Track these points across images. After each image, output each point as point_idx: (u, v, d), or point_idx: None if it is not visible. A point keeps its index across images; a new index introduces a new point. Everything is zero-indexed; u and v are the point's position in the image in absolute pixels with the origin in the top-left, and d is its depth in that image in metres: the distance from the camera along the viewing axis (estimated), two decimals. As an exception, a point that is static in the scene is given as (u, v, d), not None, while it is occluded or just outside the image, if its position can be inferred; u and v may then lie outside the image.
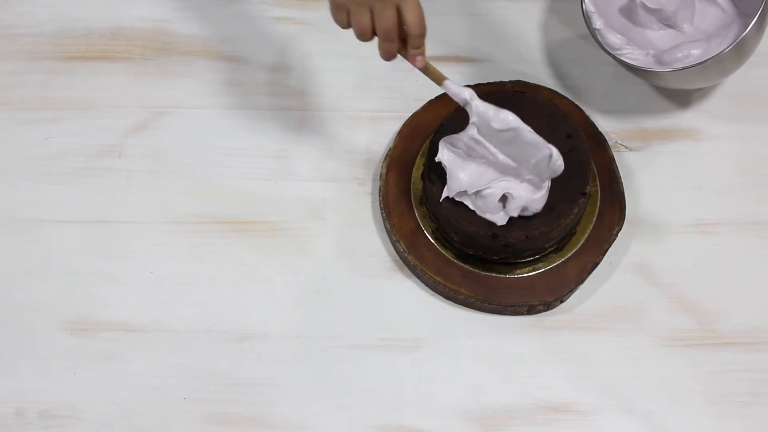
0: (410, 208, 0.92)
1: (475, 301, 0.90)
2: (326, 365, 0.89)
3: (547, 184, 0.85)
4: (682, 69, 0.89)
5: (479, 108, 0.82)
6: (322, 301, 0.91)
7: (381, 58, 0.80)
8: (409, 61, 0.81)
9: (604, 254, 0.91)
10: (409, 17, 0.78)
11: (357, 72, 1.02)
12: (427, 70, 0.82)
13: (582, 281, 0.90)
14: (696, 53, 0.91)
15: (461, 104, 0.82)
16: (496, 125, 0.81)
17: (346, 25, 0.80)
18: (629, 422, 0.86)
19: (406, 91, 1.00)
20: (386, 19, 0.78)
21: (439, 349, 0.89)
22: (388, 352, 0.89)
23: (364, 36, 0.80)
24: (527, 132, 0.82)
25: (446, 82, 0.82)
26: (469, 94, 0.82)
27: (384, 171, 0.94)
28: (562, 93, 0.97)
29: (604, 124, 0.98)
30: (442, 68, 1.01)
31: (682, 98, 1.00)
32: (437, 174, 0.87)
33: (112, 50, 1.03)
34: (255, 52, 1.03)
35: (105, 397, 0.88)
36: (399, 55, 0.81)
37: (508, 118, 0.81)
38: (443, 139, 0.85)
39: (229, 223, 0.95)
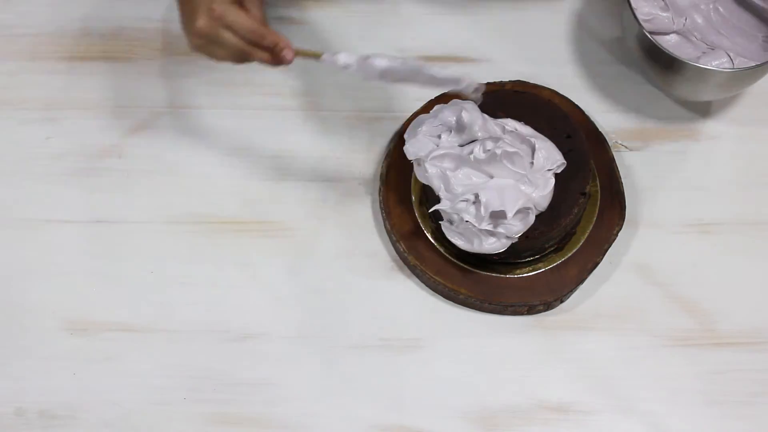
0: (410, 208, 0.92)
1: (475, 301, 0.90)
2: (326, 365, 0.89)
3: (552, 181, 0.85)
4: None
5: (359, 62, 0.79)
6: (322, 301, 0.91)
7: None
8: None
9: (604, 254, 0.91)
10: (239, 31, 0.76)
11: (357, 72, 1.02)
12: (302, 54, 0.80)
13: (582, 281, 0.90)
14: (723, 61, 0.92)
15: (344, 71, 0.79)
16: (377, 67, 0.79)
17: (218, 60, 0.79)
18: (629, 422, 0.86)
19: (406, 91, 1.00)
20: (230, 43, 0.77)
21: (439, 349, 0.89)
22: (388, 352, 0.89)
23: (238, 62, 0.79)
24: (424, 68, 0.80)
25: (324, 56, 0.79)
26: (344, 58, 0.79)
27: (384, 171, 0.94)
28: (562, 93, 0.97)
29: (604, 124, 0.98)
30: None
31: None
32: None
33: (112, 50, 1.03)
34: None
35: (105, 397, 0.88)
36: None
37: (382, 64, 0.79)
38: (419, 159, 0.85)
39: (229, 223, 0.95)
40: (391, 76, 0.80)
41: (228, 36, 0.77)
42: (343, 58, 0.79)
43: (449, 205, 0.84)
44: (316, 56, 0.80)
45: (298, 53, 0.79)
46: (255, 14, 0.78)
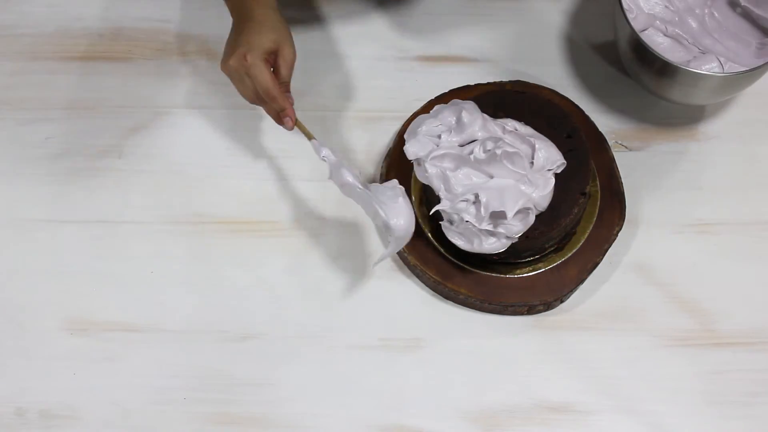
0: (410, 208, 0.92)
1: (475, 301, 0.90)
2: (326, 365, 0.89)
3: (552, 181, 0.85)
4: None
5: (334, 164, 0.85)
6: (322, 301, 0.91)
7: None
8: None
9: (604, 254, 0.91)
10: (257, 85, 0.84)
11: (357, 72, 1.02)
12: (299, 128, 0.87)
13: (582, 281, 0.90)
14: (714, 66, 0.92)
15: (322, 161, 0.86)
16: (341, 177, 0.84)
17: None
18: (629, 422, 0.86)
19: (406, 91, 1.00)
20: (248, 88, 0.85)
21: (439, 349, 0.89)
22: (388, 352, 0.89)
23: (251, 102, 0.87)
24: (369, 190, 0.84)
25: (313, 141, 0.86)
26: (325, 153, 0.85)
27: (384, 171, 0.94)
28: (562, 93, 0.97)
29: (604, 124, 0.98)
30: (441, 68, 1.02)
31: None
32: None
33: (112, 50, 1.03)
34: (255, 52, 1.03)
35: (105, 397, 0.88)
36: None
37: (347, 178, 0.83)
38: (419, 159, 0.85)
39: (229, 223, 0.95)
40: (347, 191, 0.85)
41: (248, 82, 0.85)
42: (324, 152, 0.86)
43: (449, 205, 0.84)
44: (308, 137, 0.87)
45: (297, 125, 0.87)
46: (282, 74, 0.86)
